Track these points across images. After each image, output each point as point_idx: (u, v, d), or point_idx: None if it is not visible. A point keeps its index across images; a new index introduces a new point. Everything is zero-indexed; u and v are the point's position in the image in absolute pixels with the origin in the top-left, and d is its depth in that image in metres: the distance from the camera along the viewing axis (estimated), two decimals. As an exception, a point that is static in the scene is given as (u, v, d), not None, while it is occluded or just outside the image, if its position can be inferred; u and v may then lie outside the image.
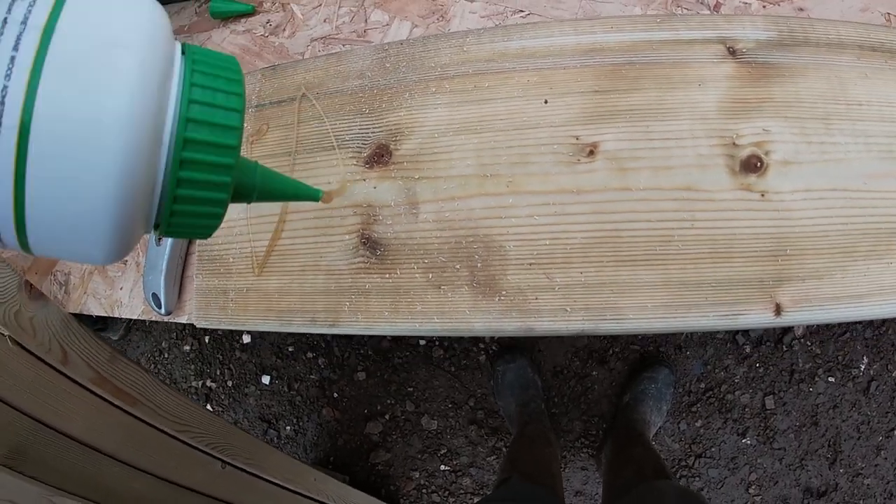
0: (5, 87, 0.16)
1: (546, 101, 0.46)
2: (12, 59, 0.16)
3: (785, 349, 1.19)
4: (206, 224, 0.22)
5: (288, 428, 1.38)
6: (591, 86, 0.46)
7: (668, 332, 0.42)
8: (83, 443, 0.60)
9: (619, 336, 1.23)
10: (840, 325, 1.18)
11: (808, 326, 1.19)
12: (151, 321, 1.46)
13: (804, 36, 0.45)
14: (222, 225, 0.23)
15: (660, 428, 1.20)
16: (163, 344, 1.45)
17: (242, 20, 0.63)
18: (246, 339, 1.39)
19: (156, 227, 0.21)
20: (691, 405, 1.21)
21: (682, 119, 0.44)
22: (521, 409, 1.14)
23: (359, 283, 0.47)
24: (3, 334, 0.52)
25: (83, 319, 0.63)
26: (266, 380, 1.38)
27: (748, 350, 1.20)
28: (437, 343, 1.29)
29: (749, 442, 1.19)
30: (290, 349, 1.37)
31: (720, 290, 0.42)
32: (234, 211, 0.50)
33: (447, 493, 1.29)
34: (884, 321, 1.17)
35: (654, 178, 0.43)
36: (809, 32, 0.45)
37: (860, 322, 1.17)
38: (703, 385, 1.21)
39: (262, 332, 1.38)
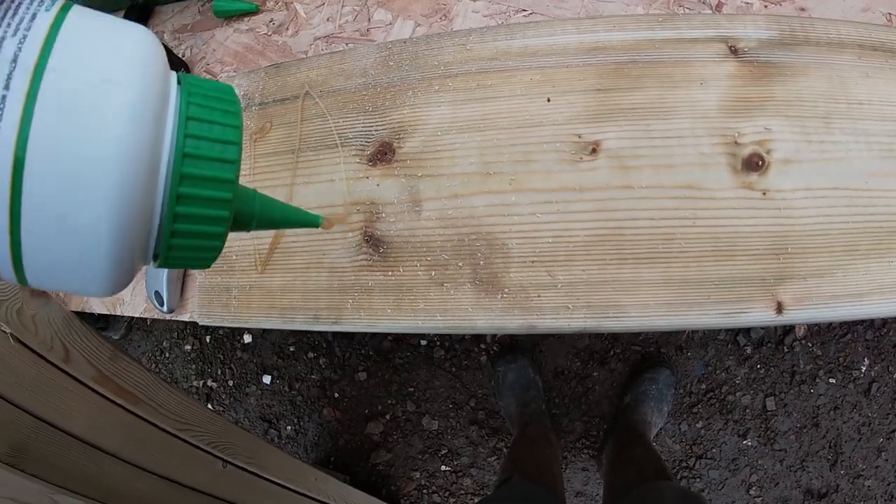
0: None
1: (549, 100, 0.46)
2: (3, 98, 0.16)
3: (786, 350, 1.19)
4: (205, 256, 0.22)
5: (289, 428, 1.38)
6: (593, 84, 0.46)
7: (670, 329, 0.42)
8: (85, 441, 0.60)
9: (620, 336, 1.23)
10: (841, 326, 1.18)
11: (809, 328, 1.19)
12: (153, 320, 1.46)
13: (805, 35, 0.45)
14: None
15: (661, 429, 1.20)
16: (164, 343, 1.46)
17: (246, 19, 0.63)
18: (247, 338, 1.39)
19: (154, 257, 0.21)
20: (692, 406, 1.21)
21: (684, 117, 0.44)
22: (521, 409, 1.14)
23: (362, 281, 0.47)
24: (5, 332, 0.52)
25: (85, 318, 0.63)
26: (267, 379, 1.38)
27: (749, 351, 1.20)
28: (438, 343, 1.29)
29: (750, 443, 1.19)
30: (292, 349, 1.37)
31: (722, 288, 0.42)
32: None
33: (448, 493, 1.29)
34: (885, 322, 1.17)
35: (656, 176, 0.44)
36: (810, 32, 0.45)
37: (861, 323, 1.17)
38: (704, 386, 1.21)
39: (264, 332, 1.38)
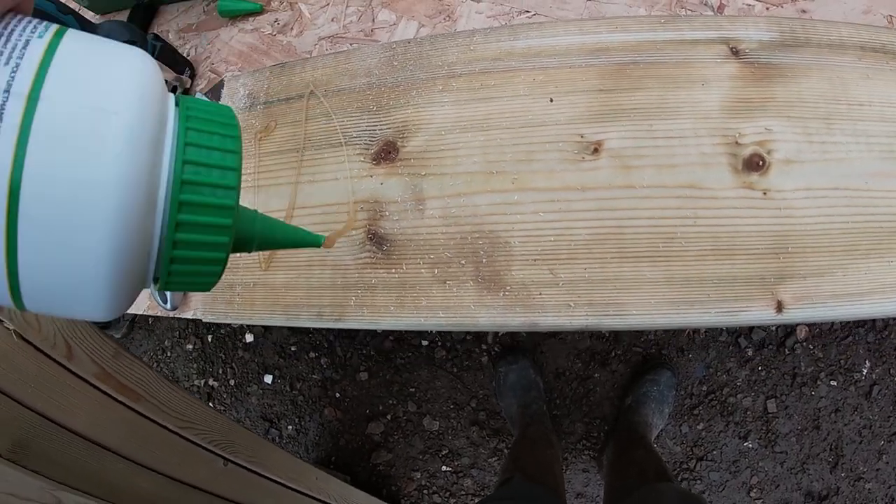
0: None
1: (551, 100, 0.47)
2: None
3: (787, 352, 1.19)
4: (205, 281, 0.22)
5: (290, 427, 1.38)
6: (595, 85, 0.46)
7: (671, 328, 0.42)
8: (87, 438, 0.60)
9: (622, 338, 1.23)
10: (843, 328, 1.18)
11: (810, 330, 1.19)
12: (154, 319, 1.46)
13: (806, 37, 0.46)
14: None
15: (661, 430, 1.20)
16: (165, 342, 1.46)
17: (250, 19, 0.63)
18: (249, 338, 1.40)
19: (155, 280, 0.21)
20: (693, 408, 1.21)
21: (686, 118, 0.45)
22: (522, 410, 1.15)
23: (365, 278, 0.47)
24: (8, 328, 0.53)
25: (89, 315, 0.64)
26: (268, 379, 1.38)
27: (750, 353, 1.20)
28: (439, 344, 1.30)
29: (751, 445, 1.19)
30: (293, 349, 1.37)
31: (722, 286, 0.42)
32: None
33: (448, 493, 1.29)
34: (886, 325, 1.17)
35: (658, 175, 0.44)
36: (811, 33, 0.46)
37: (863, 325, 1.18)
38: (705, 388, 1.21)
39: (265, 333, 1.39)
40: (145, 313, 0.60)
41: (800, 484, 1.18)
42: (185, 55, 0.64)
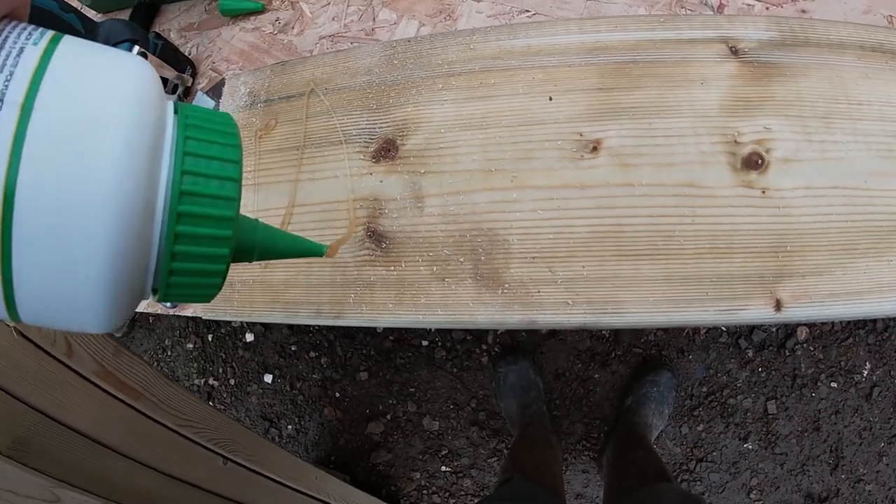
0: None
1: (551, 98, 0.47)
2: None
3: (787, 354, 1.19)
4: (205, 293, 0.21)
5: (290, 427, 1.38)
6: (595, 83, 0.46)
7: (669, 326, 0.42)
8: (87, 436, 0.60)
9: (622, 338, 1.23)
10: (843, 330, 1.18)
11: (811, 331, 1.19)
12: (155, 318, 1.47)
13: (805, 36, 0.46)
14: None
15: (661, 431, 1.20)
16: (166, 341, 1.46)
17: (252, 18, 0.63)
18: (249, 337, 1.40)
19: (154, 291, 0.20)
20: (693, 409, 1.21)
21: (685, 116, 0.45)
22: (522, 410, 1.15)
23: (364, 276, 0.47)
24: (8, 325, 0.53)
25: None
26: (268, 378, 1.38)
27: (751, 354, 1.20)
28: (439, 344, 1.30)
29: (751, 447, 1.19)
30: (293, 348, 1.37)
31: (721, 285, 0.42)
32: (242, 204, 0.51)
33: (448, 494, 1.29)
34: (887, 326, 1.17)
35: (657, 174, 0.44)
36: (811, 33, 0.46)
37: (863, 327, 1.17)
38: (705, 389, 1.21)
39: (266, 332, 1.39)
40: (145, 311, 0.61)
41: (800, 485, 1.18)
42: (186, 54, 0.64)
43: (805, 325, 1.18)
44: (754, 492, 1.19)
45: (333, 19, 0.60)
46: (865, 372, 1.17)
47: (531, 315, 0.44)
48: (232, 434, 0.81)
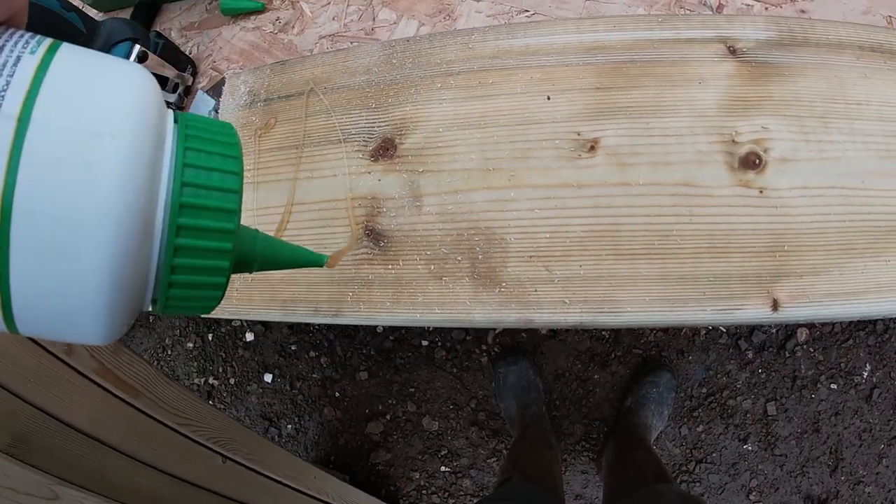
0: None
1: (549, 98, 0.47)
2: None
3: (787, 355, 1.19)
4: (205, 305, 0.21)
5: (289, 426, 1.38)
6: (592, 83, 0.46)
7: (666, 325, 0.42)
8: (86, 434, 0.60)
9: (622, 339, 1.23)
10: (843, 331, 1.18)
11: (811, 332, 1.19)
12: (155, 317, 1.47)
13: (804, 36, 0.46)
14: None
15: (661, 432, 1.20)
16: (166, 341, 1.46)
17: (252, 17, 0.64)
18: (249, 336, 1.40)
19: (154, 301, 0.20)
20: (693, 410, 1.21)
21: (682, 116, 0.45)
22: (522, 411, 1.15)
23: (362, 274, 0.47)
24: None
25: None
26: (268, 378, 1.38)
27: (750, 355, 1.19)
28: (439, 344, 1.30)
29: (750, 448, 1.19)
30: (293, 348, 1.37)
31: (718, 284, 0.42)
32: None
33: (447, 494, 1.29)
34: (887, 328, 1.16)
35: (654, 173, 0.44)
36: (809, 33, 0.46)
37: (863, 329, 1.17)
38: (704, 390, 1.21)
39: (266, 331, 1.39)
40: (145, 310, 0.61)
41: (799, 487, 1.18)
42: (187, 53, 0.64)
43: (803, 325, 1.18)
44: (754, 493, 1.19)
45: (333, 19, 0.60)
46: (865, 374, 1.17)
47: (528, 314, 0.44)
48: (231, 433, 0.81)
